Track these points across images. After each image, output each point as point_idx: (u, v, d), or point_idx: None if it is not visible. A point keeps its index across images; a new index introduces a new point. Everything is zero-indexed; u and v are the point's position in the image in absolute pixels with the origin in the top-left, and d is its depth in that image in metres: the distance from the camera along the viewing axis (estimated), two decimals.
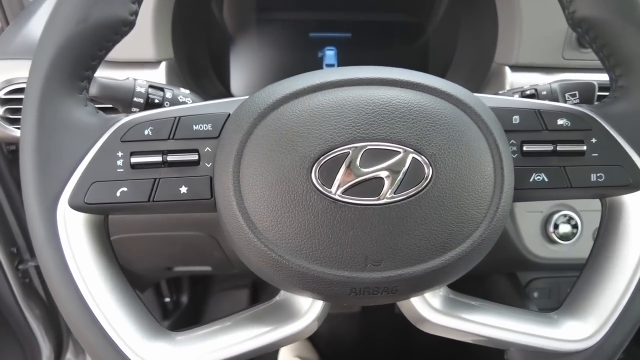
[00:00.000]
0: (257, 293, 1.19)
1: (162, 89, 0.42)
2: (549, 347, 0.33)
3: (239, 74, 0.67)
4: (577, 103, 0.43)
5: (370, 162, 0.29)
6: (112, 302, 0.31)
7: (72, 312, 0.30)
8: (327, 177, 0.29)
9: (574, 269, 0.75)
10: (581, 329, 0.33)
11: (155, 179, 0.31)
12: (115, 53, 0.54)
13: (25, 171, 0.30)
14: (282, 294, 0.35)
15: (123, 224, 0.62)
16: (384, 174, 0.29)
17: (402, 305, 0.35)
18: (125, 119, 0.32)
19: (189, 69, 0.60)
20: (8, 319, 0.93)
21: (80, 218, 0.31)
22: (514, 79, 0.56)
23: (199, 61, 0.63)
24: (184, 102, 0.42)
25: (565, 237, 0.65)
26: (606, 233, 0.35)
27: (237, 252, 0.32)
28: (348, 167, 0.29)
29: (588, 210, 0.66)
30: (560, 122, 0.33)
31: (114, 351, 0.30)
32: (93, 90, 0.39)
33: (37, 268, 0.99)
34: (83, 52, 0.31)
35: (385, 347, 1.19)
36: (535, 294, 0.81)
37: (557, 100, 0.43)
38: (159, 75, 0.54)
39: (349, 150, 0.29)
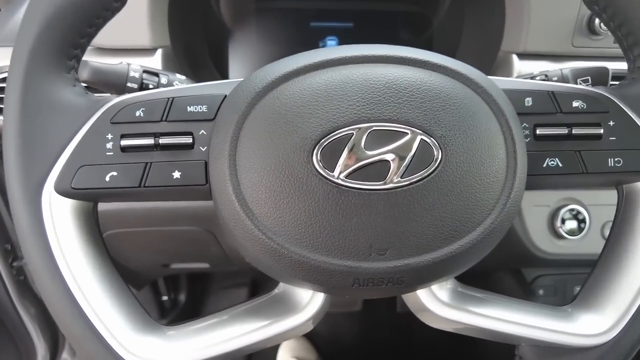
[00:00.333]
0: (256, 291, 1.17)
1: (157, 74, 0.41)
2: (564, 342, 0.32)
3: (238, 63, 0.65)
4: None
5: (375, 144, 0.27)
6: (101, 294, 0.29)
7: (58, 303, 0.29)
8: (330, 160, 0.27)
9: (581, 265, 0.73)
10: (597, 322, 0.32)
11: (146, 163, 0.30)
12: (110, 39, 0.52)
13: (7, 154, 0.29)
14: (281, 287, 0.34)
15: (117, 218, 0.60)
16: (390, 156, 0.27)
17: (408, 297, 0.33)
18: (115, 99, 0.31)
19: (186, 57, 0.58)
20: (2, 318, 0.91)
21: (67, 204, 0.29)
22: (522, 67, 0.54)
23: (197, 49, 0.61)
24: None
25: (572, 232, 0.63)
26: (622, 222, 0.33)
27: (234, 241, 0.30)
28: (352, 149, 0.27)
29: (596, 205, 0.64)
30: (575, 104, 0.31)
31: (101, 345, 0.29)
32: (85, 74, 0.38)
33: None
34: (70, 28, 0.29)
35: (385, 346, 1.17)
36: (541, 291, 0.79)
37: None
38: (154, 62, 0.53)
39: (352, 131, 0.27)
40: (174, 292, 1.12)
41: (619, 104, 0.32)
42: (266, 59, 0.66)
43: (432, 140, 0.27)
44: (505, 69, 0.55)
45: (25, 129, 0.28)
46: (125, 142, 0.29)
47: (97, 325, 0.29)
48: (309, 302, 0.32)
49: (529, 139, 0.31)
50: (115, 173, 0.29)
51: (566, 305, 0.34)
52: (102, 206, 0.36)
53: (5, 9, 0.58)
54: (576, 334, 0.32)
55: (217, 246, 0.68)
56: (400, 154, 0.27)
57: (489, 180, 0.28)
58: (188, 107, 0.30)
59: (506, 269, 0.80)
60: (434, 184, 0.27)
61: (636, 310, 0.31)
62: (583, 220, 0.64)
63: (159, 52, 0.53)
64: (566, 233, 0.63)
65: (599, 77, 0.41)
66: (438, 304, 0.32)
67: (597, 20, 0.52)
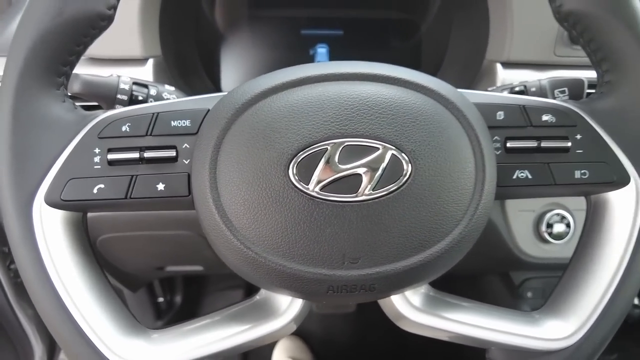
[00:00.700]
0: (251, 293, 1.18)
1: (146, 86, 0.42)
2: (529, 346, 0.33)
3: (230, 71, 0.67)
4: (567, 99, 0.42)
5: (348, 158, 0.28)
6: (89, 299, 0.31)
7: (48, 309, 0.30)
8: (305, 173, 0.28)
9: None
10: (562, 328, 0.33)
11: (132, 175, 0.31)
12: (101, 50, 0.53)
13: (0, 168, 0.30)
14: (263, 293, 0.35)
15: (112, 223, 0.61)
16: (362, 170, 0.28)
17: (383, 303, 0.34)
18: (102, 115, 0.32)
19: (177, 66, 0.59)
20: (0, 319, 0.92)
21: (57, 215, 0.30)
22: (506, 75, 0.56)
23: (188, 58, 0.62)
24: (168, 100, 0.42)
25: (558, 236, 0.64)
26: (590, 231, 0.34)
27: (215, 249, 0.31)
28: (326, 163, 0.28)
29: (581, 209, 0.65)
30: (545, 118, 0.33)
31: (88, 347, 0.30)
32: (75, 87, 0.39)
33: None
34: (59, 46, 0.30)
35: (378, 347, 1.18)
36: (529, 294, 0.80)
37: (546, 97, 0.43)
38: (146, 72, 0.54)
39: (327, 146, 0.28)
40: (170, 294, 1.14)
41: (586, 118, 0.33)
42: (258, 66, 0.67)
43: (402, 155, 0.28)
44: (489, 78, 0.56)
45: (17, 143, 0.29)
46: (112, 156, 0.30)
47: (84, 329, 0.30)
48: (289, 306, 0.33)
49: (499, 151, 0.32)
50: (102, 185, 0.30)
51: (535, 311, 0.35)
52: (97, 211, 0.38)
53: (0, 20, 0.59)
54: (541, 338, 0.33)
55: (209, 250, 0.69)
56: (372, 167, 0.28)
57: (458, 193, 0.29)
58: (172, 122, 0.31)
59: (494, 272, 0.81)
60: (403, 196, 0.28)
61: (598, 317, 0.32)
62: (568, 225, 0.65)
63: (150, 61, 0.54)
64: (551, 237, 0.64)
65: (575, 88, 0.42)
66: (411, 309, 0.33)
67: None
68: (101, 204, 0.31)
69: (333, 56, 0.67)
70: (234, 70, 0.67)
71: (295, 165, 0.28)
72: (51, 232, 0.30)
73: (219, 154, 0.29)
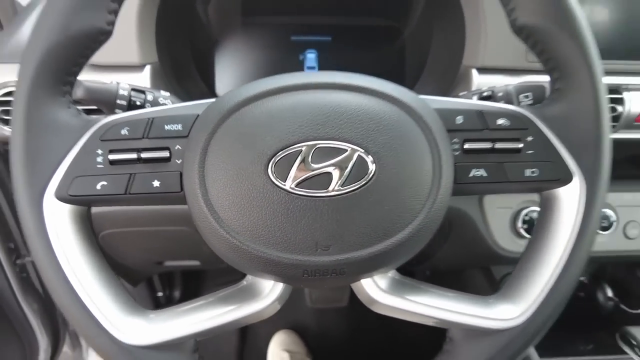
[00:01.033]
0: None
1: (143, 92, 0.45)
2: (483, 325, 0.37)
3: (224, 75, 0.70)
4: (531, 104, 0.46)
5: (320, 158, 0.32)
6: (94, 283, 0.34)
7: (60, 293, 0.34)
8: (282, 172, 0.32)
9: None
10: (511, 310, 0.37)
11: (131, 174, 0.35)
12: (102, 57, 0.57)
13: (14, 167, 0.34)
14: (249, 278, 0.39)
15: (112, 219, 0.65)
16: (332, 169, 0.32)
17: (356, 289, 0.38)
18: (104, 120, 0.36)
19: (173, 71, 0.63)
20: (7, 313, 0.96)
21: (65, 208, 0.34)
22: (481, 80, 0.59)
23: (183, 64, 0.66)
24: (164, 104, 0.45)
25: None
26: (539, 225, 0.38)
27: (204, 239, 0.35)
28: (301, 163, 0.32)
29: None
30: (500, 121, 0.36)
31: (95, 325, 0.34)
32: (79, 93, 0.42)
33: (35, 263, 1.02)
34: (65, 60, 0.34)
35: (370, 341, 1.22)
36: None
37: (512, 101, 0.47)
38: (143, 78, 0.57)
39: (301, 148, 0.32)
40: (169, 289, 1.17)
41: (536, 122, 0.36)
42: (250, 70, 0.71)
43: (367, 156, 0.32)
44: (466, 82, 0.60)
45: (29, 146, 0.33)
46: (112, 157, 0.34)
47: (91, 309, 0.34)
48: (271, 290, 0.37)
49: (458, 152, 0.36)
50: (105, 182, 0.34)
51: (490, 296, 0.39)
52: (98, 208, 0.41)
53: (6, 28, 0.63)
54: (493, 319, 0.36)
55: (206, 245, 0.73)
56: (341, 166, 0.32)
57: (416, 189, 0.33)
58: (166, 126, 0.35)
59: (476, 267, 0.85)
60: (368, 192, 0.32)
61: (542, 301, 0.36)
62: None
63: (148, 67, 0.57)
64: (527, 233, 0.68)
65: (538, 93, 0.46)
66: (380, 292, 0.37)
67: None
68: (104, 199, 0.35)
69: (321, 61, 0.70)
70: (227, 74, 0.70)
71: (274, 165, 0.32)
72: (60, 223, 0.34)
73: (206, 155, 0.33)
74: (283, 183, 0.32)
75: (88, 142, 0.35)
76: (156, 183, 0.35)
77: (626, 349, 0.58)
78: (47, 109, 0.34)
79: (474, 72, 0.59)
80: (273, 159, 0.32)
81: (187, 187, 0.34)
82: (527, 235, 0.67)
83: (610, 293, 0.85)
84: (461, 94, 0.49)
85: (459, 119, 0.36)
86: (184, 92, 0.63)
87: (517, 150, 0.36)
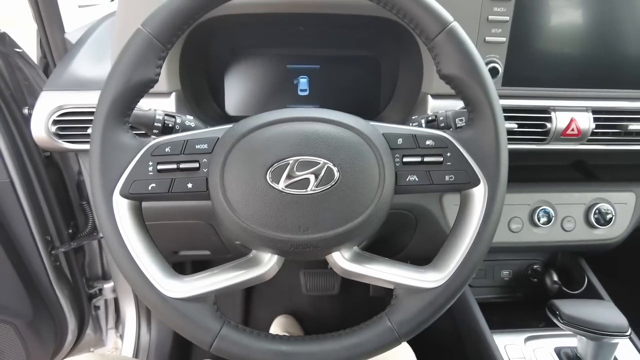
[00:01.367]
0: None
1: (174, 116, 0.60)
2: (416, 285, 0.50)
3: (232, 97, 0.83)
4: (462, 125, 0.61)
5: (302, 168, 0.47)
6: (146, 255, 0.49)
7: (122, 261, 0.49)
8: (276, 177, 0.47)
9: (504, 251, 0.93)
10: (436, 276, 0.50)
11: (172, 179, 0.50)
12: None
13: (94, 175, 0.49)
14: (253, 252, 0.54)
15: (146, 214, 0.79)
16: (310, 175, 0.47)
17: (330, 261, 0.53)
18: (153, 141, 0.51)
19: (193, 96, 0.77)
20: (43, 297, 1.07)
21: (126, 202, 0.49)
22: (435, 104, 0.73)
23: (200, 90, 0.80)
24: (190, 125, 0.60)
25: None
26: (458, 215, 0.52)
27: (222, 225, 0.50)
28: (289, 171, 0.47)
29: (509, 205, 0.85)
30: (428, 142, 0.51)
31: (147, 284, 0.48)
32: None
33: (66, 254, 1.16)
34: (127, 100, 0.50)
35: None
36: (473, 275, 0.99)
37: (450, 123, 0.62)
38: (170, 102, 0.71)
39: (289, 161, 0.48)
40: None
41: (454, 142, 0.51)
42: (253, 93, 0.83)
43: (334, 167, 0.48)
44: (423, 106, 0.74)
45: (103, 160, 0.49)
46: (159, 167, 0.50)
47: (144, 272, 0.48)
48: (269, 260, 0.52)
49: (399, 164, 0.51)
50: (154, 184, 0.50)
51: (424, 266, 0.53)
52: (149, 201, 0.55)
53: (60, 62, 0.78)
54: (423, 280, 0.50)
55: (216, 236, 0.87)
56: (316, 174, 0.47)
57: (367, 189, 0.48)
58: (196, 145, 0.50)
59: None
60: (335, 191, 0.48)
61: (457, 269, 0.49)
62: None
63: (173, 95, 0.72)
64: None
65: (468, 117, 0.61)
66: (345, 261, 0.51)
67: None
68: (153, 196, 0.50)
69: (312, 85, 0.84)
70: (235, 96, 0.83)
71: (270, 173, 0.48)
72: (123, 213, 0.49)
73: (225, 166, 0.49)
74: (277, 185, 0.47)
75: (142, 156, 0.50)
76: (189, 185, 0.50)
77: (551, 317, 0.73)
78: (115, 134, 0.50)
79: (429, 97, 0.74)
80: (270, 169, 0.48)
81: (211, 188, 0.49)
82: None
83: (555, 277, 1.00)
84: (413, 117, 0.65)
85: (400, 140, 0.51)
86: (202, 113, 0.78)
87: (439, 162, 0.51)
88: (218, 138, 0.50)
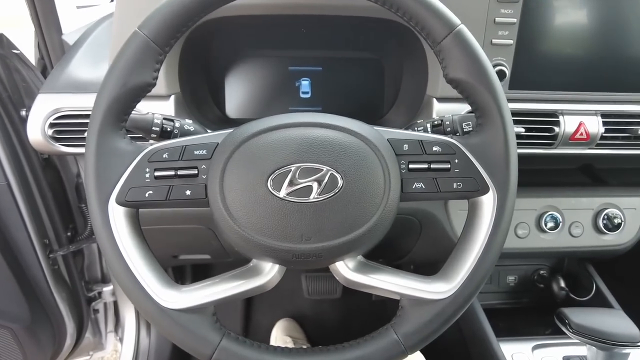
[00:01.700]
0: None
1: (172, 120, 0.59)
2: (423, 297, 0.49)
3: (233, 100, 0.82)
4: (470, 129, 0.59)
5: (304, 175, 0.46)
6: (142, 264, 0.48)
7: (118, 269, 0.47)
8: (277, 185, 0.46)
9: (510, 257, 0.91)
10: (443, 286, 0.49)
11: (170, 185, 0.48)
12: None
13: (88, 181, 0.48)
14: (254, 261, 0.52)
15: (142, 218, 0.78)
16: (312, 183, 0.46)
17: (333, 270, 0.51)
18: (150, 147, 0.49)
19: (192, 99, 0.76)
20: (41, 300, 1.06)
21: (122, 210, 0.48)
22: (440, 107, 0.72)
23: (200, 93, 0.79)
24: (189, 129, 0.59)
25: None
26: (466, 223, 0.51)
27: (222, 233, 0.49)
28: (291, 179, 0.46)
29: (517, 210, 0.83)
30: (435, 148, 0.50)
31: (143, 294, 0.47)
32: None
33: (64, 257, 1.15)
34: (123, 106, 0.48)
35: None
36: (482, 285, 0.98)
37: (457, 128, 0.60)
38: (169, 105, 0.70)
39: (291, 168, 0.46)
40: (180, 281, 1.31)
41: (462, 149, 0.50)
42: (255, 96, 0.83)
43: (337, 174, 0.46)
44: (428, 109, 0.73)
45: (99, 166, 0.47)
46: (157, 173, 0.48)
47: (141, 282, 0.47)
48: (270, 269, 0.50)
49: (404, 170, 0.49)
50: (151, 192, 0.48)
51: (431, 276, 0.51)
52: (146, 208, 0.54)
53: (57, 65, 0.77)
54: (430, 292, 0.48)
55: (216, 241, 0.86)
56: (319, 181, 0.46)
57: (372, 197, 0.47)
58: (195, 151, 0.49)
59: (445, 259, 0.98)
60: (338, 199, 0.46)
61: (465, 280, 0.48)
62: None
63: (172, 97, 0.70)
64: None
65: (475, 122, 0.59)
66: (348, 271, 0.50)
67: None
68: (150, 203, 0.48)
69: (314, 87, 0.83)
70: (236, 99, 0.82)
71: (272, 180, 0.46)
72: (119, 221, 0.48)
73: (224, 172, 0.47)
74: (278, 192, 0.46)
75: (139, 162, 0.49)
76: (188, 192, 0.48)
77: (560, 325, 0.71)
78: (111, 139, 0.48)
79: (435, 100, 0.73)
80: (271, 176, 0.46)
81: (211, 195, 0.48)
82: None
83: (562, 284, 0.99)
84: (418, 121, 0.63)
85: (405, 146, 0.50)
86: (202, 116, 0.76)
87: (447, 169, 0.49)
88: (217, 144, 0.49)
